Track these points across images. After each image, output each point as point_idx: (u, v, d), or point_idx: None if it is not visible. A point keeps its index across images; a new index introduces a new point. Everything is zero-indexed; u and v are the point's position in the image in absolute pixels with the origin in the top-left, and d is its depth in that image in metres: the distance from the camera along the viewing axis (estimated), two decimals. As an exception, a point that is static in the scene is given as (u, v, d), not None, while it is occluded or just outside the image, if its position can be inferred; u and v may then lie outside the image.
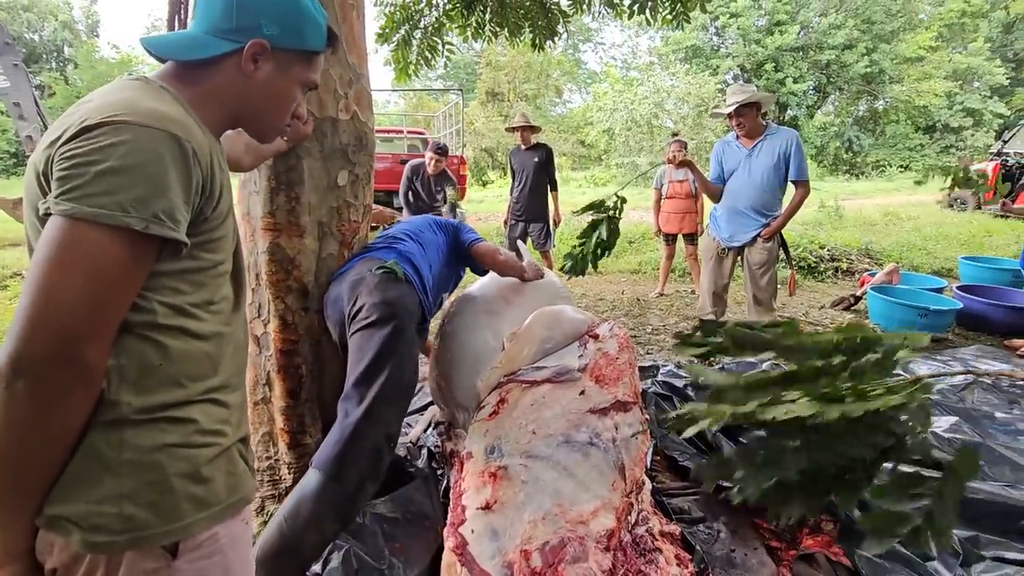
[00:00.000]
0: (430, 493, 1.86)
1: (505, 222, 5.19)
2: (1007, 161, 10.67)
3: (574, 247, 2.45)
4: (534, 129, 4.92)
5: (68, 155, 0.67)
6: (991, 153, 11.59)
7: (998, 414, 2.54)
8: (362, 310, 1.51)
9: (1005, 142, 11.21)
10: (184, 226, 0.73)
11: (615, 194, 2.38)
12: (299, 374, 1.74)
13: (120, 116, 0.69)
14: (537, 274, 2.19)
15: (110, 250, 0.67)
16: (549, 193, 4.90)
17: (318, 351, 1.78)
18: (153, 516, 0.74)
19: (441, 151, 4.84)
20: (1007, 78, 22.11)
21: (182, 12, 1.69)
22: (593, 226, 2.40)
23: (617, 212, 2.40)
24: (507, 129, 5.09)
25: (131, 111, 0.70)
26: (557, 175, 5.08)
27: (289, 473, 1.80)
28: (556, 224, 5.03)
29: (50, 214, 0.67)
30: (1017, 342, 3.88)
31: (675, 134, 5.75)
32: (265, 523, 1.78)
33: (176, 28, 1.74)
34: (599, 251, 2.37)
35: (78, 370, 0.66)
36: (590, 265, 2.41)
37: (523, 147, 4.87)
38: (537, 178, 4.80)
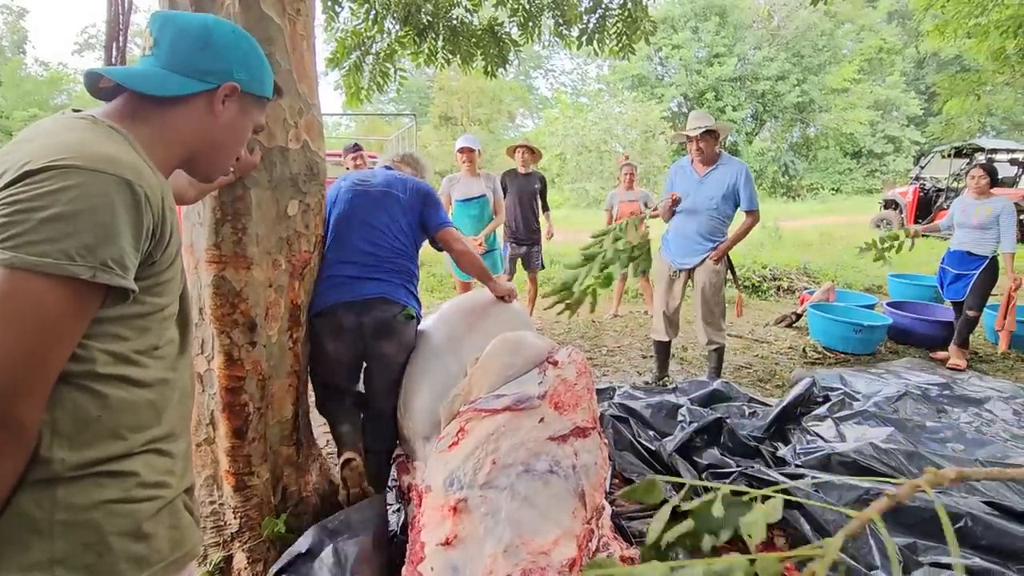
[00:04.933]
0: (382, 512, 1.83)
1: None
2: (924, 185, 11.59)
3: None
4: (536, 154, 4.72)
5: (9, 200, 0.63)
6: (911, 178, 12.56)
7: (928, 423, 2.70)
8: (391, 355, 1.95)
9: (922, 168, 12.18)
10: (133, 272, 0.70)
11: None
12: (245, 412, 1.66)
13: (68, 160, 0.65)
14: (509, 291, 2.25)
15: (52, 301, 0.63)
16: (541, 214, 4.81)
17: (265, 387, 1.71)
18: None
19: (356, 148, 4.54)
20: (921, 109, 24.15)
21: (120, 39, 1.63)
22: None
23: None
24: (508, 150, 4.73)
25: (79, 155, 0.66)
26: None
27: (235, 518, 1.70)
28: (550, 237, 4.99)
29: None
30: (942, 354, 4.17)
31: (626, 157, 5.91)
32: (209, 573, 1.67)
33: (114, 54, 1.68)
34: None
35: (10, 429, 0.62)
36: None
37: (522, 170, 4.64)
38: (534, 203, 4.68)
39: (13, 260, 0.61)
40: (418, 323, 2.05)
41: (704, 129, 3.24)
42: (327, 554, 1.57)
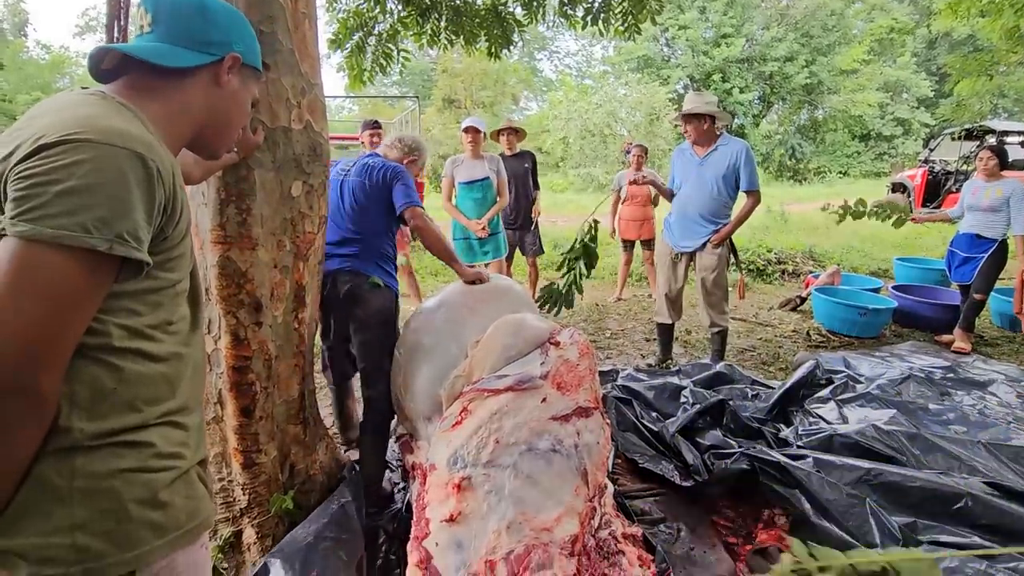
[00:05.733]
0: (356, 497, 1.86)
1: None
2: (933, 168, 11.43)
3: (553, 284, 2.64)
4: (520, 134, 4.62)
5: (25, 174, 0.64)
6: (920, 161, 12.38)
7: (931, 406, 2.71)
8: (362, 320, 2.10)
9: (931, 150, 12.00)
10: (146, 246, 0.71)
11: (589, 223, 2.58)
12: (252, 391, 1.68)
13: (80, 134, 0.66)
14: (477, 277, 2.26)
15: (70, 273, 0.64)
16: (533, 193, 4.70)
17: (271, 367, 1.73)
18: (108, 545, 0.71)
19: (375, 125, 4.34)
20: (931, 90, 23.74)
21: (122, 17, 1.62)
22: (571, 262, 2.60)
23: (592, 237, 2.61)
24: (493, 135, 4.61)
25: (92, 129, 0.67)
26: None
27: (243, 494, 1.73)
28: (537, 215, 4.84)
29: (3, 235, 0.63)
30: (947, 338, 4.15)
31: (630, 142, 5.85)
32: (220, 547, 1.71)
33: (116, 33, 1.67)
34: (579, 281, 2.67)
35: (31, 399, 0.63)
36: (576, 296, 2.65)
37: (509, 153, 4.54)
38: (527, 185, 4.59)
39: (33, 233, 0.62)
40: (396, 297, 2.20)
41: (682, 114, 3.24)
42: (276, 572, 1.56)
